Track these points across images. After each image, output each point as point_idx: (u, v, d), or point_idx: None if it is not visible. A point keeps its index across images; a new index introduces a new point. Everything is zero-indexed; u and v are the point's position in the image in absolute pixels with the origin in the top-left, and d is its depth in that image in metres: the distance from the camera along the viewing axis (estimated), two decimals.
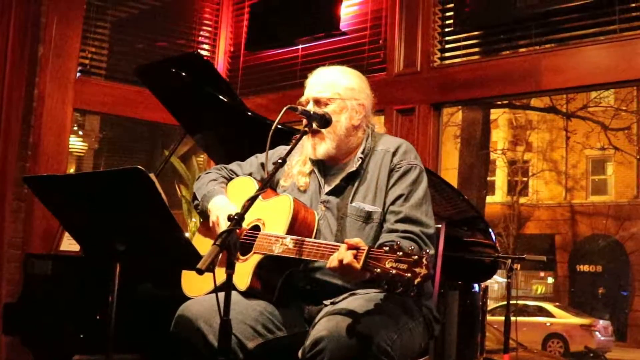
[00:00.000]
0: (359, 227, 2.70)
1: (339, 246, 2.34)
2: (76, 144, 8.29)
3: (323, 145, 2.80)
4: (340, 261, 2.27)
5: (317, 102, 2.82)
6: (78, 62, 5.89)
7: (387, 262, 2.15)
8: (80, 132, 8.52)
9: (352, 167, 2.80)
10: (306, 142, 2.82)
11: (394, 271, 2.12)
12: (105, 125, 8.65)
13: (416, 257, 2.12)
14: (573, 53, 4.70)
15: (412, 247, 2.19)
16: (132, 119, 6.50)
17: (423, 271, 2.10)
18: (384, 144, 2.83)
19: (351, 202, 2.74)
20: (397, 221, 2.64)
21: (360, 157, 2.80)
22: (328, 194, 2.80)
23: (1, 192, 5.38)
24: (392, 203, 2.69)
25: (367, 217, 2.70)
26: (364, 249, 2.23)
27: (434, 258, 2.97)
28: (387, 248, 2.17)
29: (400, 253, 2.14)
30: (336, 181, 2.82)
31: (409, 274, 2.10)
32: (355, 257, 2.24)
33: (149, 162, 7.95)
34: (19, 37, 5.52)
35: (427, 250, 2.36)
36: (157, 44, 6.51)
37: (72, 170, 7.64)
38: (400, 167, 2.73)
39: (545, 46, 4.92)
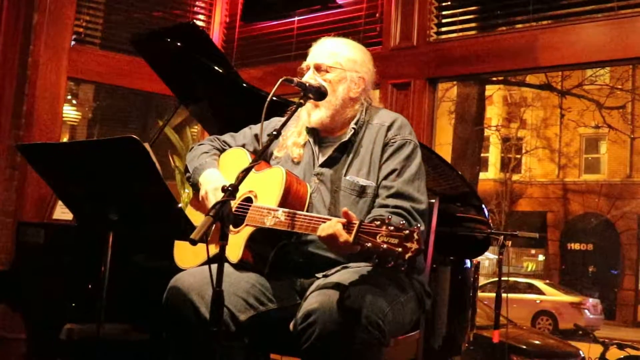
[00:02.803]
0: (353, 201, 2.69)
1: (331, 219, 2.35)
2: (70, 113, 8.24)
3: (317, 113, 2.79)
4: (332, 233, 2.28)
5: (318, 68, 2.80)
6: (73, 31, 5.84)
7: (378, 237, 2.15)
8: (74, 101, 8.47)
9: (345, 138, 2.79)
10: (302, 110, 2.80)
11: (385, 245, 2.12)
12: (99, 94, 8.60)
13: (407, 231, 2.12)
14: (570, 30, 4.69)
15: (403, 223, 2.19)
16: (126, 88, 6.47)
17: (414, 246, 2.11)
18: (380, 118, 2.81)
19: (345, 176, 2.73)
20: (388, 196, 2.64)
21: (353, 128, 2.79)
22: (322, 165, 2.80)
23: None
24: (385, 178, 2.68)
25: (361, 191, 2.70)
26: (355, 222, 2.23)
27: (427, 233, 2.97)
28: (379, 222, 2.17)
29: (392, 227, 2.14)
30: (329, 152, 2.81)
31: (400, 249, 2.10)
32: (348, 230, 2.25)
33: (143, 133, 7.91)
34: (14, 5, 5.47)
35: (418, 225, 2.36)
36: (153, 13, 6.46)
37: (65, 139, 7.60)
38: (395, 142, 2.72)
39: (542, 23, 4.90)
